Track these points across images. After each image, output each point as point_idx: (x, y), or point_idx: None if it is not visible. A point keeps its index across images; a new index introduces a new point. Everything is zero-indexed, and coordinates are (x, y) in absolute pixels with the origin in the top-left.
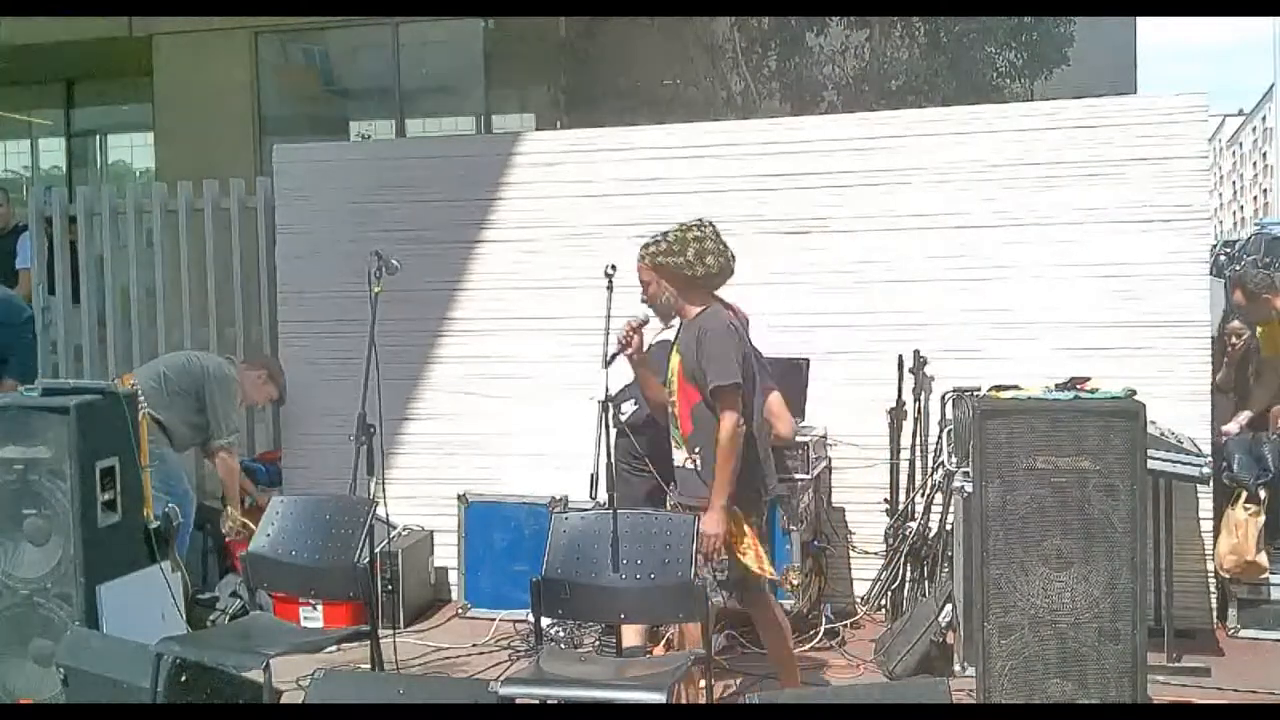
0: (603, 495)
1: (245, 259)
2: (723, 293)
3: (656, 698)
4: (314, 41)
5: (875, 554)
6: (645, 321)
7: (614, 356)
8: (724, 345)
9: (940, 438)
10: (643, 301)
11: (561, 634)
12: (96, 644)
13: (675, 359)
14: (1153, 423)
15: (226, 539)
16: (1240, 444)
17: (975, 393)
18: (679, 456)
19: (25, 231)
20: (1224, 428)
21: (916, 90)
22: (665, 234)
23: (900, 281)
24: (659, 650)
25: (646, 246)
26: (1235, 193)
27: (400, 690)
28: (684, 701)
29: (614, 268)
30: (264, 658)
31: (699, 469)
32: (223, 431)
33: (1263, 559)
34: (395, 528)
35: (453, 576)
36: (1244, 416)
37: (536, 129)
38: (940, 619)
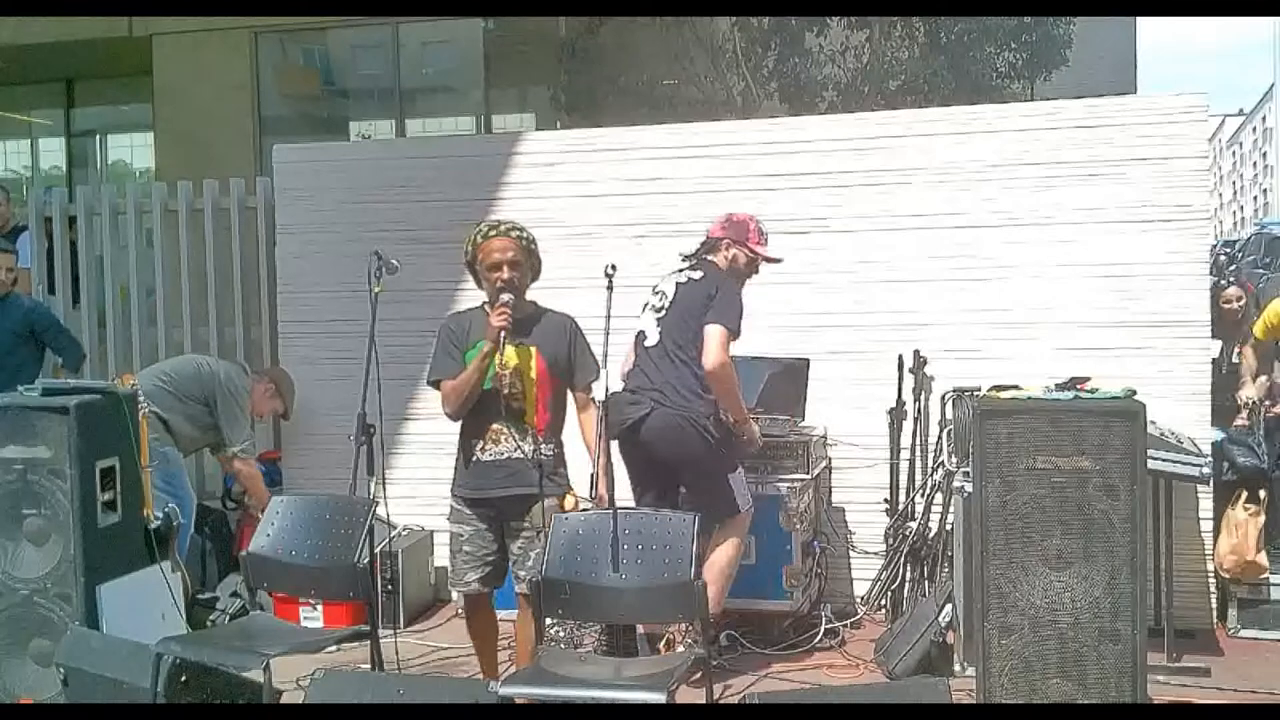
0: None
1: (245, 259)
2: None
3: (656, 698)
4: (314, 41)
5: (875, 554)
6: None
7: (504, 332)
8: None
9: (940, 438)
10: (506, 282)
11: (562, 634)
12: (96, 644)
13: (529, 352)
14: (1153, 423)
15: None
16: (1240, 440)
17: (975, 393)
18: (526, 448)
19: (25, 231)
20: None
21: (916, 90)
22: (514, 224)
23: (900, 281)
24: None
25: (515, 230)
26: (1235, 193)
27: (400, 690)
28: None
29: (614, 268)
30: (264, 658)
31: (556, 456)
32: (235, 439)
33: (1263, 559)
34: (395, 528)
35: None
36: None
37: (536, 129)
38: (940, 619)
